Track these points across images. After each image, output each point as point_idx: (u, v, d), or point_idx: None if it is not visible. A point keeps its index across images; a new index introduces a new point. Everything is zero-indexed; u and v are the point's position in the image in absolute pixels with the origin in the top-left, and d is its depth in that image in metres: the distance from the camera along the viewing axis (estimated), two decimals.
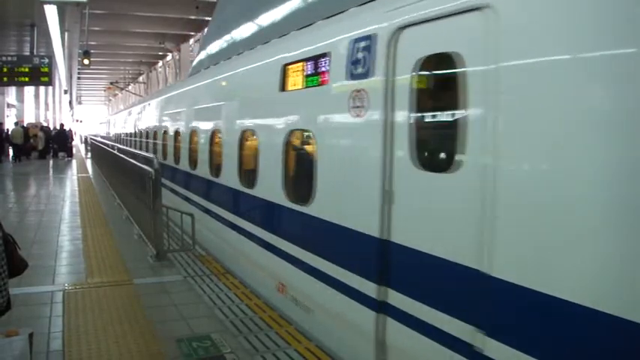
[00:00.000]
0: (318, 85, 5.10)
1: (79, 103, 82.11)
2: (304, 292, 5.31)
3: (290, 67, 5.72)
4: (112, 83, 53.79)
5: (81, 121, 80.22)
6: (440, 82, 3.80)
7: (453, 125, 3.42)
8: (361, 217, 4.27)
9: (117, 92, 67.41)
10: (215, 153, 8.48)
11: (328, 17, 5.39)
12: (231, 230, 7.45)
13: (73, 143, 38.21)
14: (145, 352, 4.61)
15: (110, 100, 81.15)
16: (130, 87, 60.54)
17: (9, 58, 19.75)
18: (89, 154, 30.77)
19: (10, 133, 28.90)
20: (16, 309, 4.70)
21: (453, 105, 3.43)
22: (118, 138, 25.16)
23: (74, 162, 28.92)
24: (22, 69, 19.37)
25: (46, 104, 47.09)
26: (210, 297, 6.06)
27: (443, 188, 3.48)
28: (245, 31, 8.54)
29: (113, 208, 12.02)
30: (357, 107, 4.31)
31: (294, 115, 5.68)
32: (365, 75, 4.24)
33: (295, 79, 5.58)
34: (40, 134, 30.59)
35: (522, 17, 3.00)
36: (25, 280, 5.41)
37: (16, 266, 3.68)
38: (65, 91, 44.35)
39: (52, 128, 36.91)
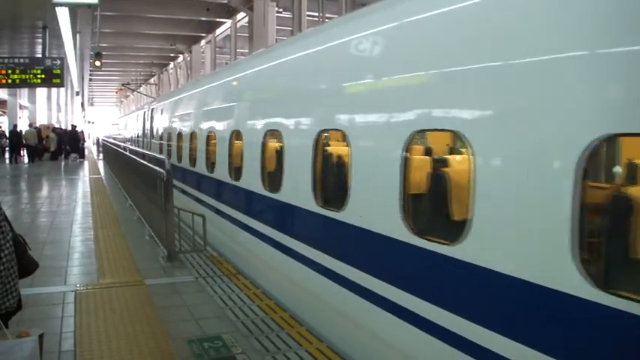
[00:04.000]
0: None
1: (91, 104, 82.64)
2: None
3: None
4: (123, 85, 53.98)
5: (93, 123, 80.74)
6: None
7: None
8: None
9: (128, 94, 67.69)
10: None
11: None
12: None
13: (85, 145, 38.45)
14: (157, 352, 4.60)
15: (122, 101, 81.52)
16: (141, 88, 60.81)
17: (21, 60, 19.86)
18: (101, 156, 30.79)
19: (23, 134, 29.20)
20: (28, 309, 4.73)
21: None
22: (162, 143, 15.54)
23: (86, 163, 29.09)
24: (35, 71, 19.47)
25: (58, 106, 47.39)
26: (221, 298, 6.05)
27: None
28: None
29: (125, 209, 12.06)
30: None
31: None
32: None
33: None
34: (52, 135, 30.81)
35: None
36: (37, 280, 5.45)
37: (26, 267, 3.68)
38: (77, 93, 44.60)
39: (64, 129, 37.14)
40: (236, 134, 8.27)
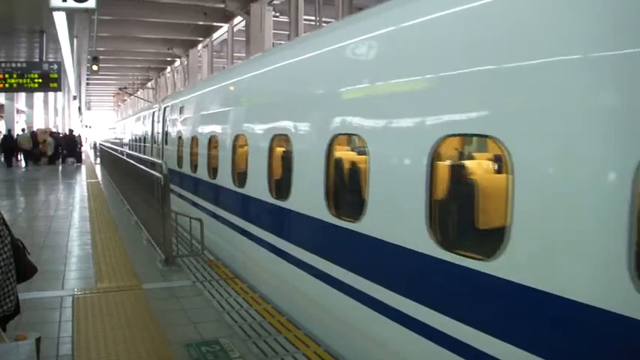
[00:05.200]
0: None
1: (88, 108, 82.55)
2: None
3: None
4: (120, 89, 53.95)
5: (90, 127, 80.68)
6: None
7: None
8: None
9: (125, 98, 67.67)
10: None
11: None
12: None
13: (82, 149, 38.41)
14: (154, 356, 4.61)
15: (119, 105, 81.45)
16: (138, 92, 60.82)
17: (19, 65, 19.87)
18: (98, 160, 30.69)
19: (17, 138, 29.22)
20: (26, 314, 4.72)
21: None
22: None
23: (83, 167, 29.06)
24: (32, 75, 19.46)
25: (56, 110, 47.36)
26: (219, 302, 6.06)
27: None
28: None
29: (122, 214, 12.06)
30: None
31: None
32: None
33: None
34: (49, 140, 30.76)
35: None
36: (35, 284, 5.45)
37: (25, 271, 3.69)
38: (74, 97, 44.54)
39: (61, 134, 37.09)
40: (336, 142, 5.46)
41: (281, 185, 6.55)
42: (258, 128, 7.36)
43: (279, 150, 6.76)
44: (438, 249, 3.73)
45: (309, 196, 5.68)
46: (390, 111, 4.45)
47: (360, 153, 5.98)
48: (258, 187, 6.97)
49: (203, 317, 5.58)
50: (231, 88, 9.17)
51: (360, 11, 6.39)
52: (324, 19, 19.09)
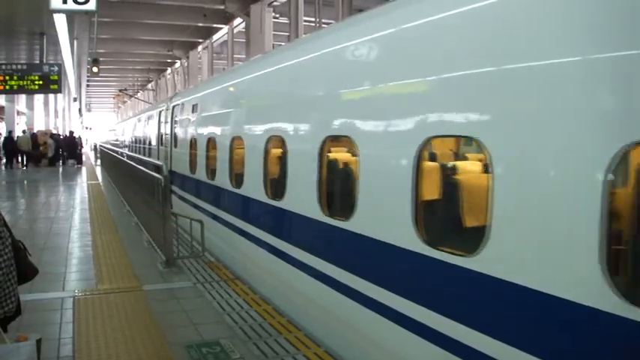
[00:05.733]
0: None
1: (89, 110, 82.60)
2: None
3: None
4: (120, 91, 53.98)
5: (90, 129, 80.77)
6: None
7: None
8: None
9: (126, 100, 67.71)
10: None
11: None
12: None
13: (83, 150, 38.43)
14: (155, 358, 4.62)
15: (119, 107, 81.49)
16: (138, 94, 60.86)
17: (19, 67, 19.90)
18: (99, 162, 30.67)
19: (17, 140, 29.26)
20: (27, 315, 4.73)
21: None
22: None
23: (84, 169, 29.07)
24: (32, 77, 19.49)
25: (56, 112, 47.37)
26: (219, 303, 6.06)
27: None
28: None
29: (123, 215, 12.06)
30: None
31: None
32: None
33: None
34: (50, 141, 30.77)
35: None
36: (36, 286, 5.45)
37: (26, 273, 3.70)
38: (74, 99, 44.57)
39: (61, 135, 37.10)
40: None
41: (341, 202, 5.35)
42: (304, 129, 5.92)
43: (335, 157, 5.56)
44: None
45: (385, 219, 4.36)
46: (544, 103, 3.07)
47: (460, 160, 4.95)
48: (302, 203, 5.67)
49: (203, 318, 5.59)
50: (266, 80, 7.53)
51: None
52: (323, 21, 19.12)
